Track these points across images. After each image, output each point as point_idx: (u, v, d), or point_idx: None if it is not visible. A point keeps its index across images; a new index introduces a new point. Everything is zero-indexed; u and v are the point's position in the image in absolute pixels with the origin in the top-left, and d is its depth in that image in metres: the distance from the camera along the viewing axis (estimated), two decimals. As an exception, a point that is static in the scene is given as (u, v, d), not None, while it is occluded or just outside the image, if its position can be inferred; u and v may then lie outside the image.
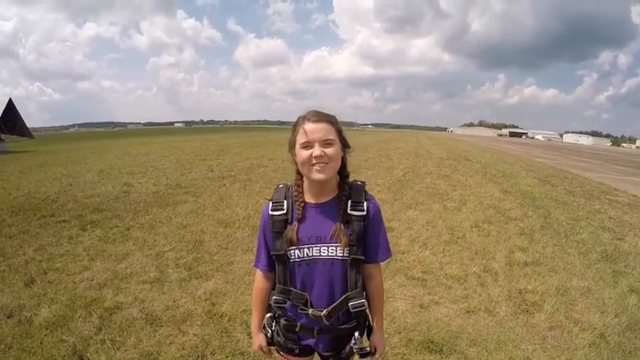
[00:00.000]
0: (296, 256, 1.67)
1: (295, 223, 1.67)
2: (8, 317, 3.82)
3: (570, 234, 6.87)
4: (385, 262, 1.83)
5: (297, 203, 1.69)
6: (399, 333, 3.59)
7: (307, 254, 1.67)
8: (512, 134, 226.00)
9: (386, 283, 4.57)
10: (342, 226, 1.64)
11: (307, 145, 1.59)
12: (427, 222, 7.40)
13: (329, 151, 1.58)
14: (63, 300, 4.16)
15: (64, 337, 3.47)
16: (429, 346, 3.38)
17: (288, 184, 1.78)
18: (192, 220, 7.31)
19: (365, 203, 1.68)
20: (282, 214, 1.69)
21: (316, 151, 1.57)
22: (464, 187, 11.62)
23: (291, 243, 1.66)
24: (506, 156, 28.08)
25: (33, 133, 40.42)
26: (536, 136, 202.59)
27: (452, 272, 5.00)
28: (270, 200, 1.75)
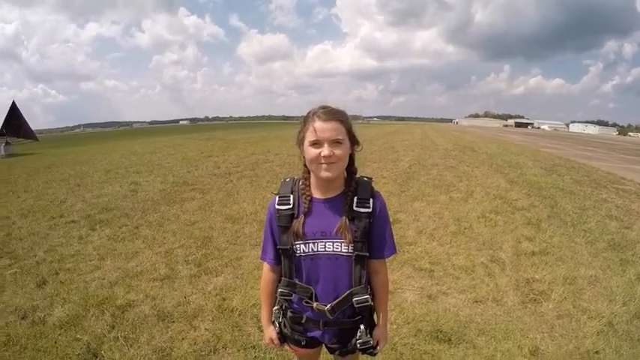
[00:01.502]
0: (301, 251, 1.69)
1: (301, 216, 1.68)
2: (22, 318, 3.87)
3: (577, 223, 6.85)
4: (390, 257, 1.84)
5: (304, 197, 1.70)
6: (408, 323, 3.62)
7: (312, 249, 1.68)
8: (518, 125, 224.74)
9: (394, 274, 4.61)
10: (348, 222, 1.65)
11: (316, 144, 1.59)
12: (434, 213, 7.41)
13: (337, 151, 1.59)
14: (75, 299, 4.21)
15: (77, 336, 3.52)
16: (437, 336, 3.41)
17: (295, 177, 1.79)
18: (200, 216, 7.37)
19: (371, 200, 1.69)
20: (289, 208, 1.71)
21: (325, 150, 1.57)
22: (470, 178, 11.60)
23: (297, 236, 1.67)
24: (513, 146, 27.93)
25: (38, 136, 40.57)
26: (542, 127, 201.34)
27: (459, 263, 5.02)
28: (276, 194, 1.77)
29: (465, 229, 6.43)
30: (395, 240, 1.83)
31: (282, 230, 1.72)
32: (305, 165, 1.71)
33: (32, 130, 36.73)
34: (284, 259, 1.75)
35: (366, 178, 1.75)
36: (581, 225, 6.75)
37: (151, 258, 5.33)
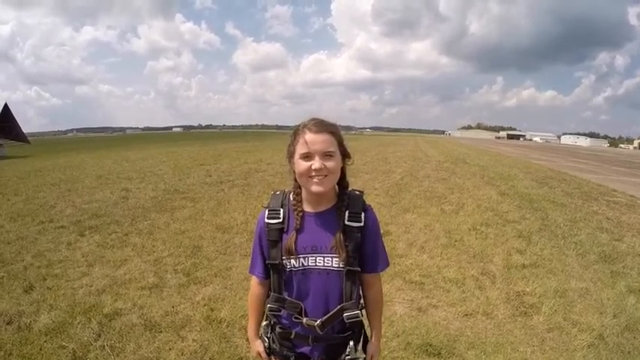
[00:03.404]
0: (292, 265, 1.65)
1: (293, 233, 1.64)
2: (8, 323, 3.83)
3: (568, 235, 6.88)
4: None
5: (296, 213, 1.66)
6: (398, 337, 3.60)
7: (303, 264, 1.64)
8: (510, 136, 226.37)
9: (384, 286, 4.57)
10: (342, 238, 1.61)
11: (307, 156, 1.55)
12: (425, 225, 7.41)
13: (329, 164, 1.55)
14: (62, 306, 4.16)
15: (63, 343, 3.47)
16: (427, 350, 3.39)
17: (286, 190, 1.76)
18: (190, 225, 7.32)
19: (362, 214, 1.65)
20: (278, 222, 1.67)
21: (316, 163, 1.53)
22: (462, 190, 11.64)
23: (289, 253, 1.63)
24: (504, 158, 28.10)
25: (30, 138, 40.40)
26: (534, 138, 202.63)
27: (450, 275, 5.01)
28: (266, 208, 1.73)
29: (455, 241, 6.43)
30: (387, 252, 1.81)
31: (271, 245, 1.68)
32: (295, 180, 1.67)
33: (24, 133, 36.54)
34: (273, 273, 1.71)
35: (357, 192, 1.72)
36: (572, 237, 6.78)
37: (140, 266, 5.28)
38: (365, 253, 1.69)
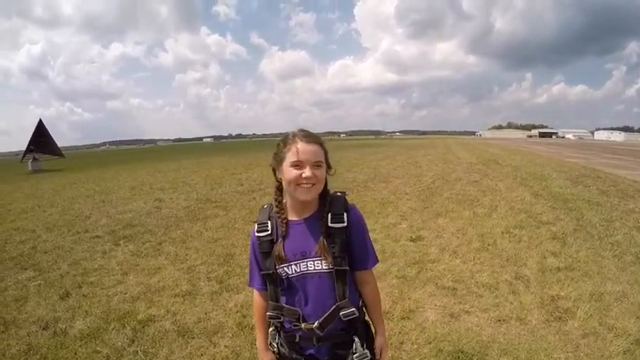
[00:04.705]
0: (285, 274, 1.71)
1: (280, 240, 1.70)
2: (44, 329, 3.98)
3: (604, 236, 6.68)
4: (374, 267, 1.83)
5: (280, 220, 1.73)
6: (429, 343, 3.56)
7: (295, 270, 1.70)
8: (542, 134, 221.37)
9: (416, 292, 4.58)
10: (325, 241, 1.67)
11: (298, 165, 1.62)
12: (457, 230, 7.31)
13: (318, 173, 1.63)
14: (97, 313, 4.29)
15: (97, 348, 3.58)
16: (459, 357, 3.34)
17: (273, 203, 1.81)
18: (222, 234, 7.42)
19: (345, 215, 1.70)
20: (268, 234, 1.73)
21: (307, 172, 1.60)
22: (494, 192, 11.42)
23: (280, 260, 1.69)
24: (537, 158, 27.46)
25: (65, 152, 41.51)
26: (567, 135, 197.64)
27: (483, 280, 4.93)
28: (255, 222, 1.79)
29: (488, 245, 6.32)
30: (376, 251, 1.84)
31: (264, 256, 1.74)
32: (277, 188, 1.77)
33: (58, 147, 37.57)
34: (269, 284, 1.77)
35: (339, 193, 1.78)
36: (608, 238, 6.58)
37: (174, 274, 5.39)
38: (353, 251, 1.74)
